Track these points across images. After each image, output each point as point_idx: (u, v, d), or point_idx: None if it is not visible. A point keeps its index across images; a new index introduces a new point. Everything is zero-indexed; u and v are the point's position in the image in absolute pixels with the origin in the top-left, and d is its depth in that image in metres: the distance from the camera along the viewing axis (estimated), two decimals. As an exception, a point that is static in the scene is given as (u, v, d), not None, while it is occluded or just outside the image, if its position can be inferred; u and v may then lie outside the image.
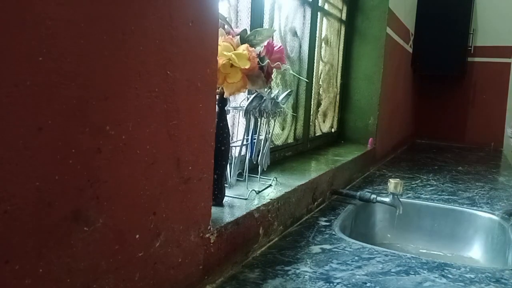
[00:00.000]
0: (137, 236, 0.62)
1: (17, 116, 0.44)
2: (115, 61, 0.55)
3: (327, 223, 1.21)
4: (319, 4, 1.80)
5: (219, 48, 0.82)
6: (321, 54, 1.91)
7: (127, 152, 0.58)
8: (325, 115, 2.08)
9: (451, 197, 1.63)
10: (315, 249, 1.02)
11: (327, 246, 1.04)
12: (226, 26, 0.89)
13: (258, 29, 0.94)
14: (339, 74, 2.18)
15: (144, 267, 0.64)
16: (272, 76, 0.98)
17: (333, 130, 2.20)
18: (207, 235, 0.78)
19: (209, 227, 0.79)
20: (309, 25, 1.71)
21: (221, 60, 0.83)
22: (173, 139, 0.67)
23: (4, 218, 0.44)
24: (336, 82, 2.17)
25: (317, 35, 1.81)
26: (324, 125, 2.08)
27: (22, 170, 0.45)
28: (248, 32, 0.92)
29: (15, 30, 0.43)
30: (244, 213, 0.91)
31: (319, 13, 1.80)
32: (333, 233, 1.13)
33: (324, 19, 1.91)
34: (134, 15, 0.57)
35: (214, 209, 0.85)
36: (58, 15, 0.47)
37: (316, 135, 1.96)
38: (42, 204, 0.47)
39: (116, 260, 0.58)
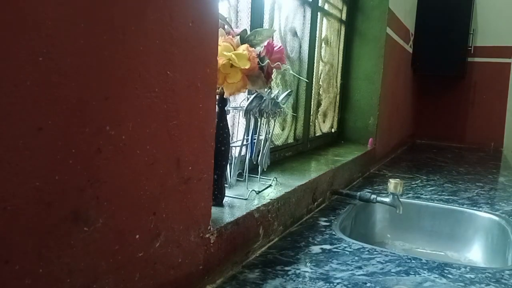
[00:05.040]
0: (137, 236, 0.62)
1: (17, 116, 0.44)
2: (115, 61, 0.55)
3: (327, 223, 1.21)
4: (319, 4, 1.80)
5: (219, 48, 0.82)
6: (321, 54, 1.91)
7: (127, 152, 0.58)
8: (325, 115, 2.08)
9: (451, 197, 1.63)
10: (315, 249, 1.02)
11: (327, 246, 1.04)
12: (226, 26, 0.89)
13: (258, 29, 0.94)
14: (339, 74, 2.18)
15: (144, 267, 0.64)
16: (272, 76, 0.98)
17: (333, 130, 2.20)
18: (207, 235, 0.78)
19: (209, 227, 0.79)
20: (309, 25, 1.71)
21: (221, 60, 0.83)
22: (173, 139, 0.67)
23: (4, 217, 0.44)
24: (336, 82, 2.17)
25: (317, 35, 1.81)
26: (324, 125, 2.08)
27: (22, 170, 0.45)
28: (248, 32, 0.92)
29: (15, 30, 0.43)
30: (244, 213, 0.91)
31: (319, 13, 1.80)
32: (333, 233, 1.13)
33: (324, 19, 1.91)
34: (134, 15, 0.57)
35: (214, 209, 0.85)
36: (58, 15, 0.47)
37: (316, 135, 1.96)
38: (42, 204, 0.47)
39: (116, 260, 0.58)
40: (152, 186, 0.63)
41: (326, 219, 1.25)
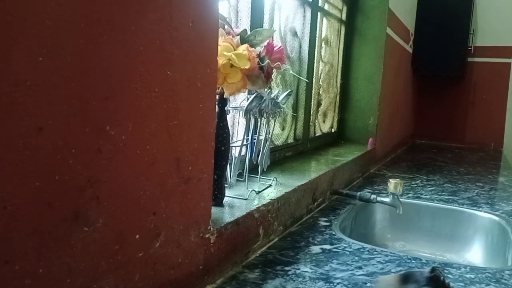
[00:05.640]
0: (137, 236, 0.62)
1: (17, 116, 0.44)
2: (115, 61, 0.55)
3: (327, 223, 1.21)
4: (319, 4, 1.80)
5: (219, 48, 0.82)
6: (321, 54, 1.91)
7: (127, 152, 0.58)
8: (325, 115, 2.08)
9: (451, 197, 1.63)
10: (315, 249, 1.02)
11: (327, 246, 1.04)
12: (226, 26, 0.89)
13: (258, 29, 0.94)
14: (339, 74, 2.18)
15: (144, 267, 0.64)
16: (272, 76, 0.98)
17: (333, 130, 2.20)
18: (207, 235, 0.78)
19: (209, 227, 0.79)
20: (309, 25, 1.71)
21: (221, 60, 0.83)
22: (173, 139, 0.67)
23: (4, 217, 0.44)
24: (336, 82, 2.17)
25: (317, 35, 1.81)
26: (324, 125, 2.08)
27: (22, 170, 0.45)
28: (248, 32, 0.92)
29: (15, 30, 0.43)
30: (244, 213, 0.91)
31: (319, 13, 1.80)
32: (333, 233, 1.13)
33: (324, 19, 1.91)
34: (134, 15, 0.57)
35: (214, 209, 0.85)
36: (58, 15, 0.47)
37: (316, 135, 1.96)
38: (42, 204, 0.47)
39: (116, 260, 0.58)
40: (152, 186, 0.63)
41: (326, 219, 1.25)
